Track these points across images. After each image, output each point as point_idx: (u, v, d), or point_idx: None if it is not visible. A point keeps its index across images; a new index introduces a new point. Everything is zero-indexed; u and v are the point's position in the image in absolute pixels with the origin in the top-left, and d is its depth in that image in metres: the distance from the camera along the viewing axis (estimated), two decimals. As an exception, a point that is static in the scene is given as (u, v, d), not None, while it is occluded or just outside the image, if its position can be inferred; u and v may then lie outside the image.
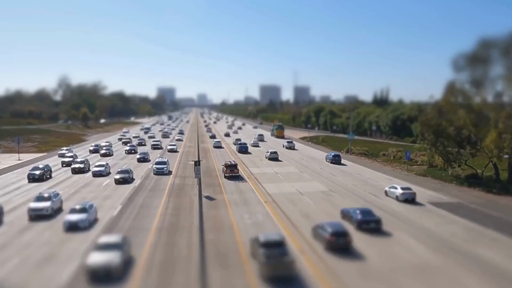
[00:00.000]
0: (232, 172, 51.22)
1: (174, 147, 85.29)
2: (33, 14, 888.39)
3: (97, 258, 21.51)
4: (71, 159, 64.27)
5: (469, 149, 49.24)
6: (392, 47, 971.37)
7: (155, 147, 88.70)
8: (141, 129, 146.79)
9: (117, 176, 48.00)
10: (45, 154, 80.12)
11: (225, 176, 51.49)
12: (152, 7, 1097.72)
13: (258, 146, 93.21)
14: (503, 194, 43.10)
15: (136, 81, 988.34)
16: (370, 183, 49.29)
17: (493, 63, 46.22)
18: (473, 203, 39.21)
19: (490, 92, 47.57)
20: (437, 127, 50.22)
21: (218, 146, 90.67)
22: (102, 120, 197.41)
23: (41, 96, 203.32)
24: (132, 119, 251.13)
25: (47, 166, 53.54)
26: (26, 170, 58.97)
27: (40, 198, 34.04)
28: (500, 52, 45.53)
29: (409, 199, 39.12)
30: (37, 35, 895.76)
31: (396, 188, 40.72)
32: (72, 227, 29.21)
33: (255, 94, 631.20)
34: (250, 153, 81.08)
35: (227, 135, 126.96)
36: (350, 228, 28.97)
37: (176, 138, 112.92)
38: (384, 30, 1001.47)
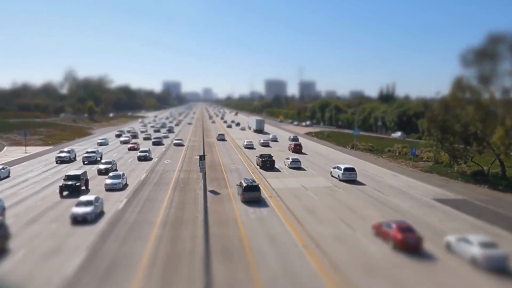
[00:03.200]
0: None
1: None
2: (40, 11, 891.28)
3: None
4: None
5: (475, 145, 48.91)
6: (399, 43, 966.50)
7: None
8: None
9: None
10: (51, 147, 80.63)
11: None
12: (159, 3, 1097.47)
13: None
14: (509, 192, 42.82)
15: (142, 76, 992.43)
16: (375, 179, 49.17)
17: (501, 59, 45.82)
18: (478, 200, 39.03)
19: (497, 89, 47.18)
20: (443, 123, 49.90)
21: None
22: (111, 114, 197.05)
23: (48, 90, 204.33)
24: (130, 114, 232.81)
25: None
26: (33, 162, 59.63)
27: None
28: (509, 48, 45.08)
29: None
30: (43, 30, 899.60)
31: None
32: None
33: (261, 89, 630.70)
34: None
35: None
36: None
37: None
38: (390, 26, 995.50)
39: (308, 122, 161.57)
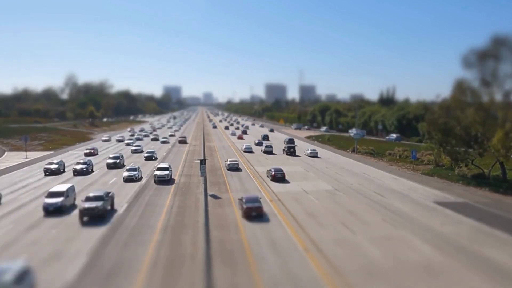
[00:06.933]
0: None
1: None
2: (41, 14, 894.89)
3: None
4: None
5: (476, 148, 48.89)
6: (398, 46, 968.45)
7: None
8: None
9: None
10: (52, 152, 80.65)
11: None
12: (159, 7, 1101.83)
13: None
14: (509, 194, 42.79)
15: (142, 80, 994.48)
16: (376, 182, 49.14)
17: (502, 61, 45.83)
18: (479, 202, 38.97)
19: (498, 91, 47.18)
20: (444, 126, 49.88)
21: None
22: (105, 119, 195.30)
23: (48, 95, 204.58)
24: (132, 118, 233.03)
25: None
26: (34, 167, 59.64)
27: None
28: (511, 50, 45.09)
29: None
30: (45, 35, 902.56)
31: None
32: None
33: (261, 93, 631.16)
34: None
35: None
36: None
37: None
38: (390, 29, 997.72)
39: (306, 126, 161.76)
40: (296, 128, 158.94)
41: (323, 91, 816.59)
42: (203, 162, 43.13)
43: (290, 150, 76.80)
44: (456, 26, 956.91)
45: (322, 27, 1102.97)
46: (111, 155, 62.58)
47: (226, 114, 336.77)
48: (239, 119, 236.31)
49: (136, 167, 50.90)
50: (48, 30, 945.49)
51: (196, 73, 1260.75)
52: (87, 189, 42.18)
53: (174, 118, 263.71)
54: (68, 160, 66.17)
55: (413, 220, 32.61)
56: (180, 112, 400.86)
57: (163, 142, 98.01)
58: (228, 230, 29.44)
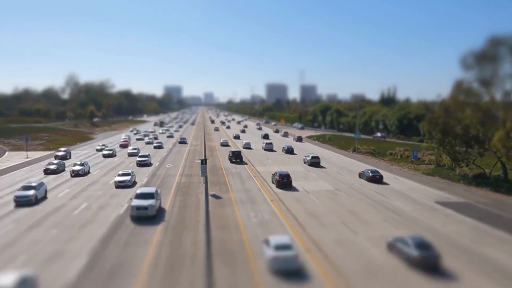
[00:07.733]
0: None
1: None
2: (41, 14, 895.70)
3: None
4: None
5: (477, 148, 48.82)
6: (398, 46, 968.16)
7: None
8: None
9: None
10: (53, 152, 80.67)
11: None
12: (159, 7, 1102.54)
13: None
14: (510, 194, 42.69)
15: (143, 80, 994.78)
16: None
17: (502, 61, 45.78)
18: (480, 202, 38.90)
19: (498, 91, 47.14)
20: (444, 125, 49.82)
21: None
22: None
23: (49, 94, 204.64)
24: (130, 118, 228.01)
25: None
26: (34, 167, 59.66)
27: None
28: (509, 50, 45.04)
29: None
30: (45, 35, 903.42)
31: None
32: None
33: (262, 92, 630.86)
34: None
35: None
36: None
37: None
38: (390, 29, 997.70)
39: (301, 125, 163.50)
40: (300, 128, 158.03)
41: (324, 91, 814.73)
42: (204, 162, 43.08)
43: None
44: (456, 26, 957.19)
45: (322, 27, 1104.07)
46: None
47: (219, 111, 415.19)
48: (230, 117, 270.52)
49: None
50: (48, 30, 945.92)
51: (197, 73, 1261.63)
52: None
53: (161, 124, 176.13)
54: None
55: (414, 220, 32.56)
56: (173, 116, 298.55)
57: None
58: (229, 230, 29.40)
